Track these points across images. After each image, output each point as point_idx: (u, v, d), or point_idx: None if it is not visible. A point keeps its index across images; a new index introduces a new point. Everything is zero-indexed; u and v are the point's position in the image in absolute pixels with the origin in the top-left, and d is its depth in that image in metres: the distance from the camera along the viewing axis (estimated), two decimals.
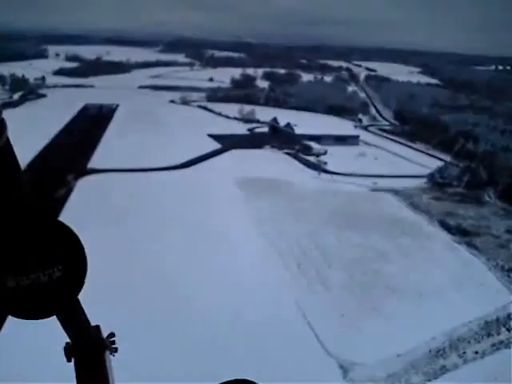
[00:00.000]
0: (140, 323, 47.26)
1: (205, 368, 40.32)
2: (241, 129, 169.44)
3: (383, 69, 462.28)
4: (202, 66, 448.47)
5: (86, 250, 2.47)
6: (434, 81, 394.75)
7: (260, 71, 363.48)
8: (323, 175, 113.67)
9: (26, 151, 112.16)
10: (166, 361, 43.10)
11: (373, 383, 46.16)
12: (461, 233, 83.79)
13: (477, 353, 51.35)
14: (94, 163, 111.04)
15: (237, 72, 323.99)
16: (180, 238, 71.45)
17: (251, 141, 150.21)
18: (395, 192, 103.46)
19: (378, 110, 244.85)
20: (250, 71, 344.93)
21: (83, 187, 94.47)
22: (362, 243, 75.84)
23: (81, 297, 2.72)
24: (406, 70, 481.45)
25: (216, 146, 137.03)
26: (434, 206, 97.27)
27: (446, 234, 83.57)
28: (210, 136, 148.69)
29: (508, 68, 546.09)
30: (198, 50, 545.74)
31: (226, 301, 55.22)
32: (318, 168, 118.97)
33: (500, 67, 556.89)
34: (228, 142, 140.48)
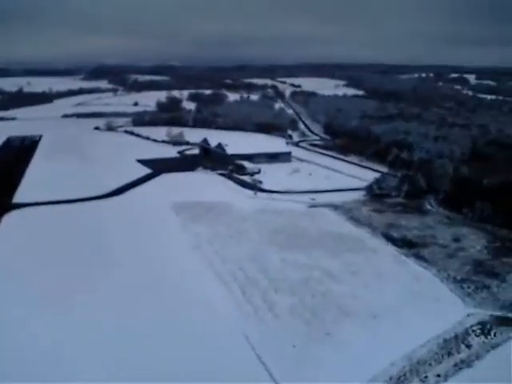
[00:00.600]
0: None
1: None
2: (170, 152, 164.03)
3: (309, 84, 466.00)
4: (126, 91, 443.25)
5: None
6: (360, 92, 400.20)
7: (185, 93, 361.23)
8: (260, 194, 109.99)
9: None
10: None
11: None
12: (407, 245, 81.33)
13: (439, 376, 47.79)
14: (18, 197, 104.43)
15: (162, 95, 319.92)
16: (119, 275, 67.21)
17: (182, 163, 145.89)
18: (334, 207, 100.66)
19: (306, 126, 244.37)
20: (176, 93, 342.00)
21: (8, 223, 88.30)
22: (307, 263, 72.23)
23: None
24: (331, 83, 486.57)
25: (146, 170, 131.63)
26: (376, 218, 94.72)
27: (391, 246, 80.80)
28: (139, 161, 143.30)
29: (431, 75, 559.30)
30: (120, 76, 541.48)
31: (170, 340, 50.92)
32: (254, 187, 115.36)
33: (423, 75, 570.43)
34: (158, 166, 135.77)
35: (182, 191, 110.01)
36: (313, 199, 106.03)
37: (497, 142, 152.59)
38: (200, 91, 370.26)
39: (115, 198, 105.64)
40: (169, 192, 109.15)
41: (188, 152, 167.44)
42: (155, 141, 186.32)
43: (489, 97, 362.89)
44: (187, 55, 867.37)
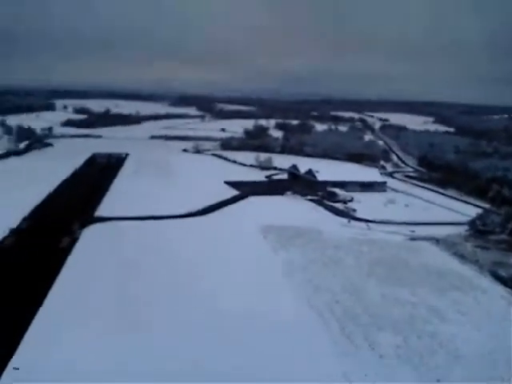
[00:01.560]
0: None
1: None
2: (258, 176, 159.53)
3: (396, 118, 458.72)
4: (213, 118, 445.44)
5: None
6: (449, 129, 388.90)
7: (272, 122, 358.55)
8: (353, 223, 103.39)
9: (29, 199, 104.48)
10: None
11: None
12: None
13: None
14: (102, 211, 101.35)
15: (249, 123, 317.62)
16: (207, 300, 61.55)
17: (270, 187, 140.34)
18: (436, 241, 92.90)
19: (399, 158, 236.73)
20: (263, 122, 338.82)
21: (89, 236, 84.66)
22: (410, 299, 64.81)
23: None
24: (419, 119, 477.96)
25: (233, 192, 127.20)
26: (481, 255, 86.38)
27: (500, 286, 72.80)
28: (227, 183, 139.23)
29: None
30: (208, 104, 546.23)
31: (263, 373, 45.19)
32: (347, 215, 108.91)
33: None
34: (246, 189, 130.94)
35: (270, 214, 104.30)
36: (412, 231, 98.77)
37: None
38: (287, 121, 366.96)
39: (202, 218, 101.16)
40: (257, 214, 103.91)
41: (276, 177, 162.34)
42: (243, 164, 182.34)
43: None
44: (274, 89, 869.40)
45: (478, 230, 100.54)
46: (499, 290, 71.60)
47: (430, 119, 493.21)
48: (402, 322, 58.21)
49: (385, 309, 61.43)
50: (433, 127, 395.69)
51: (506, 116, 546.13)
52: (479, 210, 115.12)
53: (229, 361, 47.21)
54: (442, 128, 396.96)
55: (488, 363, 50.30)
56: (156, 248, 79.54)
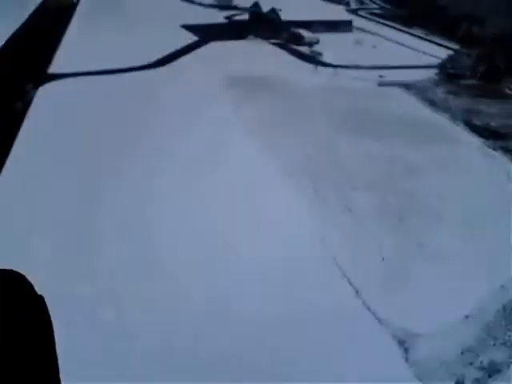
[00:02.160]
0: None
1: None
2: (218, 17, 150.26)
3: None
4: None
5: None
6: None
7: None
8: (320, 69, 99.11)
9: None
10: None
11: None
12: (492, 135, 71.12)
13: None
14: (55, 67, 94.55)
15: None
16: (179, 151, 58.04)
17: (231, 31, 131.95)
18: (406, 86, 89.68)
19: None
20: None
21: (43, 97, 78.77)
22: (383, 152, 62.72)
23: None
24: None
25: (192, 38, 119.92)
26: (453, 101, 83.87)
27: (475, 137, 70.92)
28: (185, 27, 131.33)
29: None
30: None
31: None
32: (314, 60, 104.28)
33: None
34: (205, 33, 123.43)
35: (231, 62, 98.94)
36: (381, 76, 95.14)
37: None
38: None
39: (160, 69, 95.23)
40: (217, 63, 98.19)
41: (237, 18, 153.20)
42: (201, 4, 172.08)
43: None
44: None
45: (448, 73, 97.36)
46: (474, 140, 69.67)
47: None
48: (378, 179, 56.30)
49: (359, 165, 59.31)
50: None
51: None
52: (448, 52, 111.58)
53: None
54: None
55: (472, 224, 48.91)
56: (116, 102, 75.02)
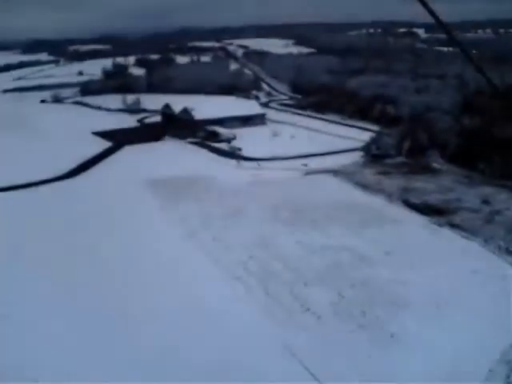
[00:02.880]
0: None
1: None
2: (129, 121, 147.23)
3: (257, 44, 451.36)
4: (68, 61, 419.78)
5: None
6: (311, 50, 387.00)
7: (131, 59, 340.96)
8: (243, 163, 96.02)
9: None
10: None
11: None
12: (434, 212, 68.81)
13: None
14: None
15: (106, 63, 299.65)
16: (104, 280, 52.10)
17: (145, 133, 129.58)
18: (333, 172, 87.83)
19: (270, 85, 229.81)
20: (121, 60, 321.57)
21: None
22: (328, 243, 58.96)
23: None
24: (279, 43, 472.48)
25: (105, 144, 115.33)
26: (385, 182, 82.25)
27: (417, 215, 68.36)
28: (96, 134, 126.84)
29: (379, 30, 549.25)
30: (60, 48, 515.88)
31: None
32: (235, 156, 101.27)
33: (371, 30, 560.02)
34: (119, 138, 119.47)
35: (151, 165, 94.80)
36: (305, 165, 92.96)
37: (483, 92, 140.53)
38: (146, 56, 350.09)
39: (76, 179, 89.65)
40: (136, 167, 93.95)
41: (149, 120, 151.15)
42: (109, 110, 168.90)
43: (445, 49, 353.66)
44: (127, 25, 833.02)
45: (373, 154, 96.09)
46: (416, 219, 67.28)
47: (291, 41, 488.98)
48: (327, 272, 52.04)
49: (304, 259, 55.03)
50: (295, 49, 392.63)
51: (365, 31, 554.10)
52: (367, 133, 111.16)
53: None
54: (304, 50, 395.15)
55: (435, 306, 44.97)
56: (29, 221, 68.89)
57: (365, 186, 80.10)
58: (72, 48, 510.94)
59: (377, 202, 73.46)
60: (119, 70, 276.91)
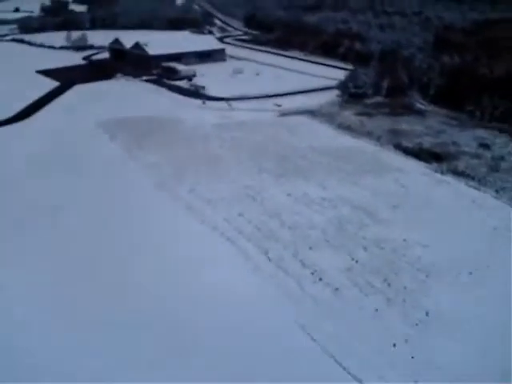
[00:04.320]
0: None
1: None
2: (75, 59, 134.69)
3: None
4: None
5: None
6: None
7: None
8: (209, 103, 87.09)
9: None
10: None
11: None
12: (433, 157, 61.91)
13: None
14: None
15: None
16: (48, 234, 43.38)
17: (94, 71, 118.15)
18: (311, 113, 79.99)
19: (222, 20, 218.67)
20: None
21: None
22: (324, 195, 51.17)
23: None
24: None
25: (52, 83, 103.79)
26: (369, 124, 74.73)
27: (414, 161, 61.38)
28: (40, 72, 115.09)
29: None
30: None
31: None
32: (200, 95, 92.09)
33: None
34: (65, 77, 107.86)
35: (106, 106, 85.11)
36: (278, 105, 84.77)
37: (452, 28, 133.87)
38: None
39: (25, 122, 79.38)
40: (90, 108, 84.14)
41: (97, 57, 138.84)
42: (53, 47, 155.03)
43: None
44: None
45: (350, 93, 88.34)
46: (415, 165, 60.25)
47: None
48: (331, 230, 44.53)
49: (302, 216, 47.12)
50: None
51: None
52: (336, 71, 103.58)
53: None
54: None
55: (467, 273, 38.23)
56: None
57: (348, 128, 72.54)
58: None
59: (366, 146, 65.95)
60: (59, 6, 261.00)
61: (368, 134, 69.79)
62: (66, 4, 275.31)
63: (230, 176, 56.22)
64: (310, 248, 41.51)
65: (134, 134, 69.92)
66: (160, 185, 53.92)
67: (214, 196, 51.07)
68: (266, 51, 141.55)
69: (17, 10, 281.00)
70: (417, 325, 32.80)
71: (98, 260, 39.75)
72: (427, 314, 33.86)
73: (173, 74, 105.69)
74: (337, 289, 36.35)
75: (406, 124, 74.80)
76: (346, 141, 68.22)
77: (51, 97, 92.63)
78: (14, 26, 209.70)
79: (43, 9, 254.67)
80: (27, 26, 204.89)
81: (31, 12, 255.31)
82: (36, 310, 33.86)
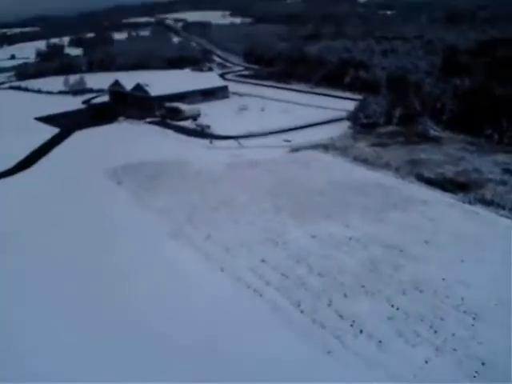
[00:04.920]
0: None
1: None
2: (74, 103, 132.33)
3: (193, 17, 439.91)
4: None
5: None
6: (248, 19, 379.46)
7: (66, 39, 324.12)
8: (217, 142, 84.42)
9: None
10: None
11: None
12: (457, 187, 58.98)
13: None
14: None
15: (39, 45, 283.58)
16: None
17: (95, 115, 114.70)
18: (323, 147, 77.22)
19: (221, 57, 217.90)
20: (55, 41, 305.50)
21: None
22: (350, 235, 48.00)
23: None
24: (216, 14, 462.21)
25: (52, 130, 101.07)
26: (386, 155, 71.80)
27: (438, 191, 58.39)
28: (39, 119, 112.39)
29: None
30: None
31: None
32: (206, 135, 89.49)
33: None
34: (65, 123, 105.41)
35: (111, 151, 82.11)
36: (288, 141, 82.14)
37: (458, 50, 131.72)
38: (80, 35, 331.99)
39: (26, 172, 76.29)
40: (94, 154, 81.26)
41: (96, 100, 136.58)
42: (51, 93, 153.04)
43: (388, 12, 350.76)
44: (56, 5, 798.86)
45: (362, 124, 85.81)
46: (440, 196, 57.26)
47: (226, 12, 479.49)
48: (366, 275, 41.27)
49: (329, 258, 44.11)
50: (233, 20, 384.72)
51: None
52: (343, 102, 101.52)
53: None
54: (242, 19, 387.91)
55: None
56: None
57: (365, 161, 69.69)
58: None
59: (386, 178, 63.03)
60: (55, 51, 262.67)
61: (386, 166, 66.90)
62: (62, 48, 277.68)
63: (246, 218, 53.24)
64: (345, 296, 38.35)
65: (142, 180, 67.06)
66: (174, 233, 50.89)
67: (232, 242, 48.03)
68: (269, 86, 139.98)
69: (13, 57, 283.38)
70: (475, 377, 29.69)
71: (115, 315, 36.64)
72: (483, 364, 30.67)
73: (177, 114, 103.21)
74: (380, 341, 33.16)
75: (423, 153, 72.04)
76: (364, 174, 65.30)
77: (51, 145, 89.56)
78: (11, 74, 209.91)
79: (39, 54, 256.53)
80: (24, 72, 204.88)
81: (27, 58, 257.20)
82: None
